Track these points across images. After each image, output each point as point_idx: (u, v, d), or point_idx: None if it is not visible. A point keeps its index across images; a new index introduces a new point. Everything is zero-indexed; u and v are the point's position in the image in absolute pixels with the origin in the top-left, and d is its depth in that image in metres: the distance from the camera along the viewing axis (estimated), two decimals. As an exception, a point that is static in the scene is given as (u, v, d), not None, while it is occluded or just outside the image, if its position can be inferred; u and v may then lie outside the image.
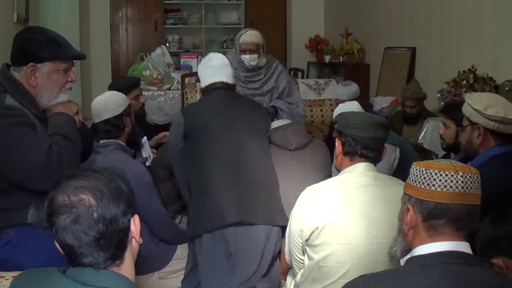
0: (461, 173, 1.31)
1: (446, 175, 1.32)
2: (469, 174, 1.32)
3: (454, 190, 1.31)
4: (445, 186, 1.31)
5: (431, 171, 1.33)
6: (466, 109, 2.27)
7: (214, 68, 2.85)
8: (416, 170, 1.38)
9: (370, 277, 1.31)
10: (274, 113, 3.59)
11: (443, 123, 2.82)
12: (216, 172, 2.54)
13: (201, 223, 2.49)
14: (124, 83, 3.91)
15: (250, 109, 2.85)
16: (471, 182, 1.32)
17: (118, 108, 2.64)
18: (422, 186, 1.34)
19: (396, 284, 1.25)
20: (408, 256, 1.37)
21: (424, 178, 1.34)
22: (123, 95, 2.79)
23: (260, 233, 2.46)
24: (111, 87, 3.92)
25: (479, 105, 2.19)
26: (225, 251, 2.44)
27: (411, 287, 1.23)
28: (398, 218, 1.46)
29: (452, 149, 2.79)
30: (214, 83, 2.82)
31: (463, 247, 1.32)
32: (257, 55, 3.52)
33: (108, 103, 2.63)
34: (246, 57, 3.52)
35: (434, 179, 1.32)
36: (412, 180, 1.38)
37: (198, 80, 5.18)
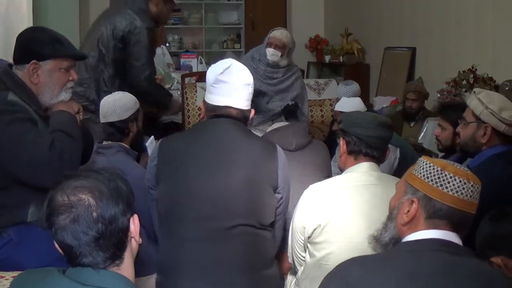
0: (472, 183, 1.34)
1: (460, 181, 1.34)
2: (477, 185, 1.35)
3: (464, 197, 1.34)
4: (456, 192, 1.33)
5: (446, 173, 1.35)
6: (476, 106, 2.20)
7: (231, 86, 2.03)
8: (429, 166, 1.38)
9: (357, 259, 1.36)
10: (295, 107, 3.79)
11: (439, 125, 2.78)
12: (189, 245, 1.92)
13: None
14: None
15: (257, 156, 2.01)
16: (476, 193, 1.36)
17: (125, 112, 2.58)
18: (435, 185, 1.35)
19: (382, 265, 1.30)
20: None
21: (439, 178, 1.35)
22: (134, 98, 2.65)
23: None
24: None
25: (493, 105, 2.15)
26: None
27: (396, 270, 1.27)
28: (392, 205, 1.46)
29: (448, 151, 2.75)
30: (225, 107, 2.03)
31: (452, 237, 1.34)
32: (281, 53, 3.74)
33: (115, 105, 2.57)
34: (269, 50, 3.73)
35: (449, 182, 1.34)
36: (422, 175, 1.37)
37: (198, 80, 5.20)
